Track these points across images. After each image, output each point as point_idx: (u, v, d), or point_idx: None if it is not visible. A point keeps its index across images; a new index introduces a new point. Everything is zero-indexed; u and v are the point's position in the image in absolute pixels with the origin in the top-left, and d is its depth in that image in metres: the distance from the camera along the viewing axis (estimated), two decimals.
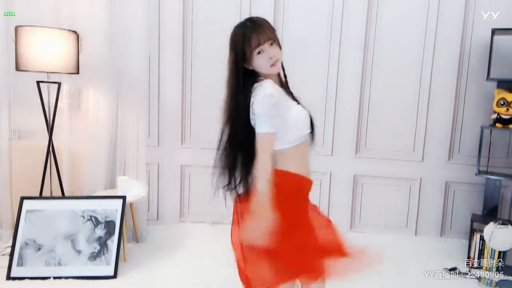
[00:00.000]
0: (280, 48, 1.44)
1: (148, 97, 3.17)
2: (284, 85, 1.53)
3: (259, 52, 1.38)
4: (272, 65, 1.40)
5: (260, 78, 1.42)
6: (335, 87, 3.24)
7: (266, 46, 1.38)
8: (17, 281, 2.36)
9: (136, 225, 2.98)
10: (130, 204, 2.90)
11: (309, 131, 1.47)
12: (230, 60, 1.44)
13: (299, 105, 1.49)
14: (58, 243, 2.48)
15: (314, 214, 1.56)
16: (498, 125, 2.83)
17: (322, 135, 3.29)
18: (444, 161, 3.24)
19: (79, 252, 2.49)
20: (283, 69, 1.53)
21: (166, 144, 3.34)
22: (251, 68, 1.43)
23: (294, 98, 1.54)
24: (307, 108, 1.51)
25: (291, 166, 1.43)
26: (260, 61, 1.39)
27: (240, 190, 1.50)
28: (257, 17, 1.45)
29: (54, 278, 2.39)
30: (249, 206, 1.33)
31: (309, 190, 1.52)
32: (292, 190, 1.44)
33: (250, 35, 1.37)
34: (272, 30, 1.42)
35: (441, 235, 3.31)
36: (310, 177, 1.48)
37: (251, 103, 1.38)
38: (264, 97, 1.34)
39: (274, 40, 1.40)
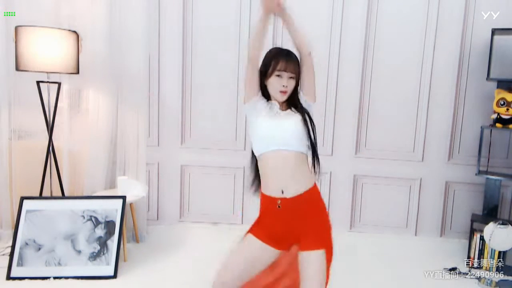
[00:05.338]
0: (297, 84, 1.65)
1: (148, 97, 3.17)
2: (286, 106, 1.69)
3: (278, 75, 1.60)
4: (282, 91, 1.61)
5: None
6: (335, 87, 3.24)
7: (286, 75, 1.60)
8: (17, 281, 2.36)
9: (136, 225, 2.98)
10: (130, 204, 2.90)
11: (269, 145, 1.60)
12: (259, 71, 1.66)
13: (276, 121, 1.61)
14: (58, 243, 2.48)
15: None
16: (498, 125, 2.83)
17: (322, 135, 3.30)
18: (444, 161, 3.24)
19: (79, 252, 2.49)
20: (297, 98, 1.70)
21: (166, 144, 3.34)
22: (267, 86, 1.64)
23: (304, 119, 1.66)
24: (297, 125, 1.61)
25: (263, 184, 1.66)
26: (275, 83, 1.61)
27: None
28: (292, 52, 1.65)
29: (54, 278, 2.39)
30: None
31: (270, 205, 1.62)
32: (260, 204, 1.71)
33: (280, 58, 1.60)
34: (297, 67, 1.63)
35: (441, 235, 3.31)
36: (277, 191, 1.59)
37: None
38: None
39: (295, 76, 1.63)
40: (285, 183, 1.58)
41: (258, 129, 1.63)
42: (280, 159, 1.59)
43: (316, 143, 1.68)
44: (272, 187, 1.61)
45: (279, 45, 1.73)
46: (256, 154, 1.67)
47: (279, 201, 1.59)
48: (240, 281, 1.62)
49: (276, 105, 1.65)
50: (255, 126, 1.64)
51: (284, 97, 1.64)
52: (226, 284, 1.61)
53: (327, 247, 1.62)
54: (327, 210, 1.72)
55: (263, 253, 1.62)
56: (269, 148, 1.60)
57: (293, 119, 1.62)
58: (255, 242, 1.63)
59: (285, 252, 1.66)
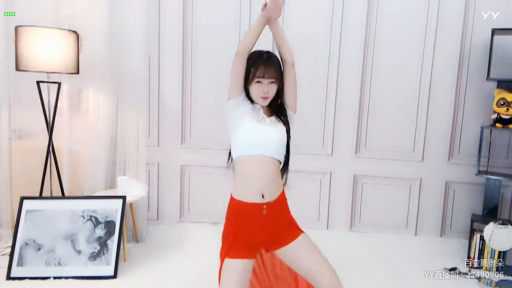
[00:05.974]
0: (279, 88, 1.64)
1: (148, 97, 3.17)
2: (270, 112, 1.69)
3: (258, 81, 1.59)
4: (263, 97, 1.61)
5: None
6: (335, 87, 3.24)
7: (265, 81, 1.59)
8: (17, 281, 2.36)
9: (136, 225, 2.98)
10: (130, 204, 2.90)
11: (252, 148, 1.59)
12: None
13: (262, 126, 1.61)
14: (58, 243, 2.48)
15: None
16: (498, 125, 2.83)
17: (322, 135, 3.30)
18: (444, 161, 3.24)
19: (79, 252, 2.49)
20: (279, 102, 1.71)
21: (166, 144, 3.34)
22: (250, 92, 1.63)
23: (285, 122, 1.68)
24: (281, 134, 1.63)
25: (236, 190, 1.64)
26: (255, 89, 1.61)
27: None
28: (273, 54, 1.65)
29: (54, 278, 2.39)
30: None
31: (253, 212, 1.60)
32: (230, 213, 1.68)
33: (259, 65, 1.58)
34: (279, 71, 1.63)
35: (441, 235, 3.31)
36: (258, 197, 1.59)
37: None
38: None
39: (275, 80, 1.61)
40: (264, 186, 1.59)
41: (242, 131, 1.61)
42: (261, 164, 1.59)
43: (289, 155, 1.70)
44: (253, 192, 1.59)
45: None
46: (234, 155, 1.64)
47: (265, 206, 1.59)
48: None
49: (261, 110, 1.64)
50: (238, 127, 1.62)
51: (266, 102, 1.63)
52: None
53: (302, 231, 1.70)
54: None
55: (246, 269, 1.60)
56: (251, 152, 1.59)
57: (278, 127, 1.64)
58: (236, 265, 1.58)
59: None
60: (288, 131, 1.67)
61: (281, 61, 1.64)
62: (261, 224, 1.61)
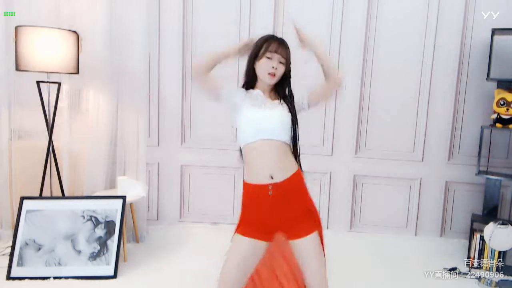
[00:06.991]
0: (286, 71, 1.67)
1: (148, 97, 3.17)
2: (274, 96, 1.71)
3: (268, 57, 1.62)
4: (270, 74, 1.62)
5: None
6: None
7: (276, 57, 1.62)
8: (17, 281, 2.36)
9: (136, 225, 2.99)
10: (130, 204, 2.90)
11: (255, 134, 1.60)
12: (249, 56, 1.69)
13: (262, 110, 1.63)
14: (58, 243, 2.49)
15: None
16: (498, 125, 2.83)
17: (322, 135, 3.30)
18: (444, 161, 3.24)
19: (79, 252, 2.49)
20: (287, 86, 1.73)
21: (166, 144, 3.34)
22: (256, 69, 1.65)
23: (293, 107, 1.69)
24: (282, 116, 1.63)
25: (246, 174, 1.67)
26: (264, 65, 1.62)
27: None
28: (285, 41, 1.68)
29: (54, 278, 2.39)
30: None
31: (260, 194, 1.61)
32: (243, 195, 1.71)
33: (272, 41, 1.63)
34: (288, 54, 1.66)
35: (441, 235, 3.30)
36: (266, 178, 1.59)
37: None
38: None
39: (285, 61, 1.65)
40: (273, 168, 1.58)
41: (242, 120, 1.63)
42: (267, 147, 1.59)
43: (298, 137, 1.68)
44: (261, 174, 1.60)
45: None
46: (241, 144, 1.66)
47: (270, 187, 1.58)
48: (241, 283, 1.62)
49: (260, 94, 1.65)
50: (238, 117, 1.65)
51: (273, 80, 1.64)
52: None
53: (319, 227, 1.66)
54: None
55: (253, 249, 1.62)
56: (255, 138, 1.60)
57: (279, 109, 1.64)
58: (243, 241, 1.62)
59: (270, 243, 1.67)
60: (294, 116, 1.65)
61: (325, 77, 1.69)
62: (268, 206, 1.60)
